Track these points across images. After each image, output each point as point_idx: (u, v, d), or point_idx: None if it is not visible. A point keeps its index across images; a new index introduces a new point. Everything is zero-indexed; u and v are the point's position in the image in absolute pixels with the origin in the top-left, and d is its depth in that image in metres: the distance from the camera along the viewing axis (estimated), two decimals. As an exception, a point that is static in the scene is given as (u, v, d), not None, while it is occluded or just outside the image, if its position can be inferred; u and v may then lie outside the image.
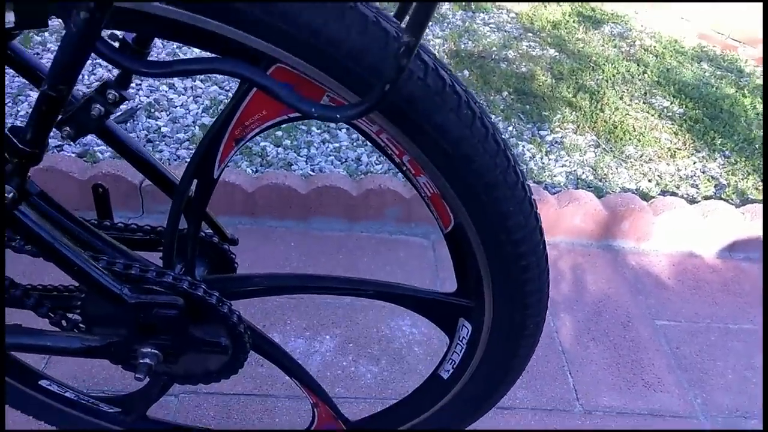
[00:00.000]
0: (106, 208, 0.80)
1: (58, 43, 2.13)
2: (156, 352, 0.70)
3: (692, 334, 1.46)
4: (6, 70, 1.89)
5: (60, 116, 0.55)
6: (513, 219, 0.61)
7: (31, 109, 0.53)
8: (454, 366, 0.82)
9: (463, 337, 0.78)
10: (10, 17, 0.53)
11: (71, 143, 1.69)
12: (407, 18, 0.46)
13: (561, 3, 2.96)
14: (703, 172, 1.98)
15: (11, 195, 0.52)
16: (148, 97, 1.93)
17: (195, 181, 0.64)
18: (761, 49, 2.77)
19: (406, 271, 1.54)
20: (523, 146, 1.97)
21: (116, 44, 0.61)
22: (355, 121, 0.58)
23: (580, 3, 3.00)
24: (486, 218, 0.61)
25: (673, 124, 2.19)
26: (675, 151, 2.05)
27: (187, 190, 0.64)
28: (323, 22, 0.48)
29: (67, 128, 0.60)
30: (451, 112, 0.54)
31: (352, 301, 1.42)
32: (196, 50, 2.07)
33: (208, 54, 0.53)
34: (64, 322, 0.72)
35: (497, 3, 2.89)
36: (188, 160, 1.81)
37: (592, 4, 3.02)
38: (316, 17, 0.48)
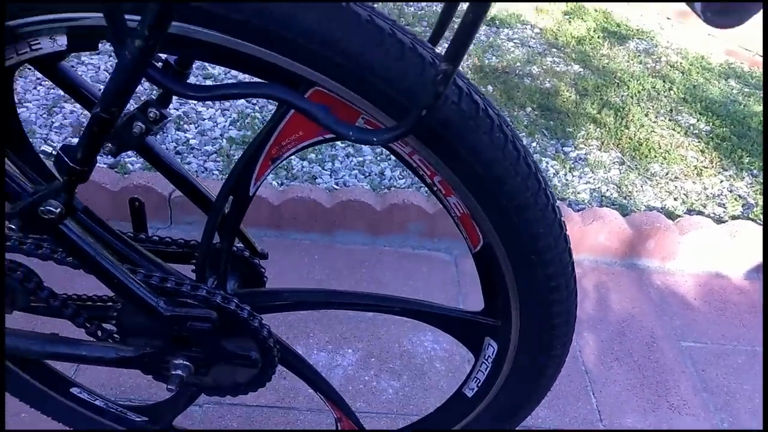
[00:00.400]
0: (142, 221, 0.82)
1: (91, 56, 2.17)
2: (188, 363, 0.71)
3: (719, 356, 1.43)
4: (45, 85, 1.95)
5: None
6: (543, 240, 0.61)
7: (63, 120, 0.55)
8: (479, 384, 0.82)
9: (489, 356, 0.78)
10: (62, 40, 0.56)
11: (111, 157, 1.74)
12: (444, 44, 0.48)
13: (570, 10, 2.96)
14: (731, 191, 1.96)
15: (59, 210, 0.55)
16: (177, 110, 1.97)
17: (230, 198, 0.66)
18: (790, 66, 2.74)
19: (428, 285, 1.54)
20: (547, 162, 1.97)
21: (159, 65, 0.63)
22: (391, 144, 0.59)
23: (598, 15, 2.99)
24: (516, 239, 0.61)
25: (699, 141, 2.17)
26: (702, 170, 2.02)
27: (223, 207, 0.66)
28: (362, 49, 0.50)
29: (109, 144, 0.63)
30: (484, 135, 0.55)
31: (375, 316, 1.42)
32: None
33: (249, 78, 0.55)
34: (99, 333, 0.74)
35: (520, 18, 2.90)
36: (215, 171, 1.84)
37: (618, 20, 3.01)
38: (355, 43, 0.50)
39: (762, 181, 2.02)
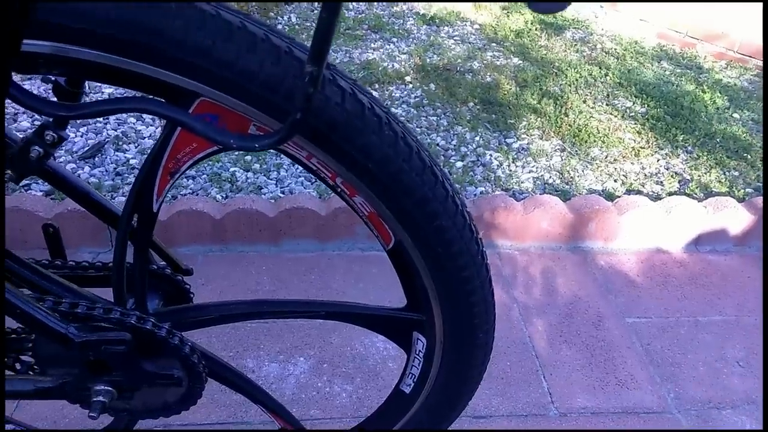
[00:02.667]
0: (59, 247, 0.80)
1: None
2: (110, 388, 0.70)
3: (662, 330, 1.48)
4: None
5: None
6: (448, 233, 0.62)
7: None
8: (414, 380, 0.82)
9: (420, 351, 0.79)
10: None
11: (38, 182, 1.69)
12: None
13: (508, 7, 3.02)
14: (667, 169, 2.02)
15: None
16: (115, 130, 1.94)
17: (135, 216, 0.65)
18: (719, 44, 2.84)
19: (379, 287, 1.54)
20: (491, 155, 2.00)
21: (50, 86, 0.62)
22: (285, 148, 0.59)
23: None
24: (421, 234, 0.62)
25: (636, 123, 2.24)
26: (639, 150, 2.08)
27: (128, 225, 0.65)
28: (236, 56, 0.50)
29: (9, 171, 0.61)
30: (372, 134, 0.55)
31: (325, 322, 1.42)
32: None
33: (132, 93, 0.54)
34: (18, 366, 0.72)
35: (460, 16, 2.94)
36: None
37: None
38: (229, 51, 0.50)
39: (762, 174, 2.09)
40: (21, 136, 0.63)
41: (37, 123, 1.77)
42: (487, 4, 3.07)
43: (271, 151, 2.07)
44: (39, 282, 0.69)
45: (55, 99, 0.58)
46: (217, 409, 1.22)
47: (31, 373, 0.73)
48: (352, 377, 1.31)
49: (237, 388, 0.86)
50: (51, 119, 0.65)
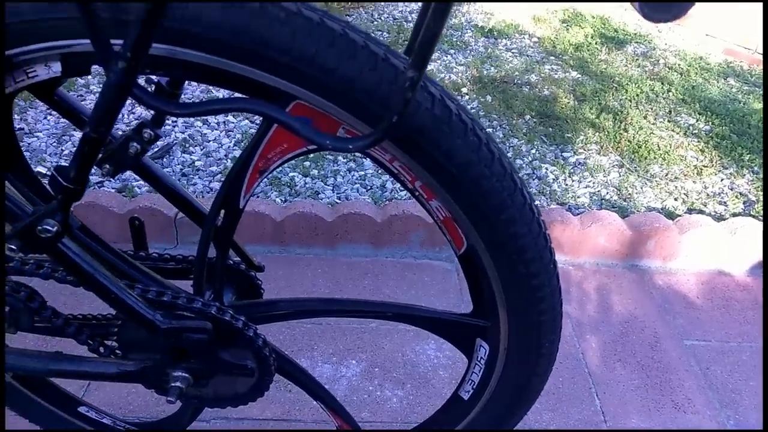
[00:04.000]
0: (142, 240, 0.85)
1: (101, 85, 2.25)
2: (187, 375, 0.74)
3: (723, 354, 1.43)
4: (55, 115, 2.01)
5: (100, 155, 0.61)
6: (522, 240, 0.63)
7: (72, 148, 0.58)
8: (474, 386, 0.83)
9: (481, 358, 0.80)
10: (57, 66, 0.59)
11: (111, 179, 1.78)
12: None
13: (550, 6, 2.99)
14: (731, 189, 1.96)
15: (55, 229, 0.58)
16: (183, 132, 2.02)
17: (222, 212, 0.68)
18: (789, 63, 2.74)
19: (430, 294, 1.55)
20: (547, 168, 1.99)
21: (152, 87, 0.66)
22: (370, 151, 0.61)
23: (596, 22, 3.02)
24: (496, 239, 0.63)
25: (699, 141, 2.18)
26: (701, 169, 2.03)
27: (215, 220, 0.69)
28: (336, 62, 0.53)
29: (107, 165, 0.66)
30: (458, 139, 0.57)
31: (377, 326, 1.44)
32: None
33: (234, 94, 0.58)
34: (101, 349, 0.76)
35: (518, 28, 2.93)
36: (219, 191, 1.88)
37: (615, 25, 3.04)
38: (330, 57, 0.53)
39: (762, 178, 2.02)
40: (120, 133, 0.68)
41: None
42: (547, 17, 3.05)
43: (329, 157, 2.11)
44: (128, 271, 0.73)
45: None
46: (272, 405, 1.25)
47: (113, 356, 0.78)
48: (402, 383, 1.32)
49: (300, 384, 0.89)
50: (150, 117, 0.69)
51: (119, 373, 0.75)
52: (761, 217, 1.82)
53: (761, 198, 1.92)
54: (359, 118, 0.57)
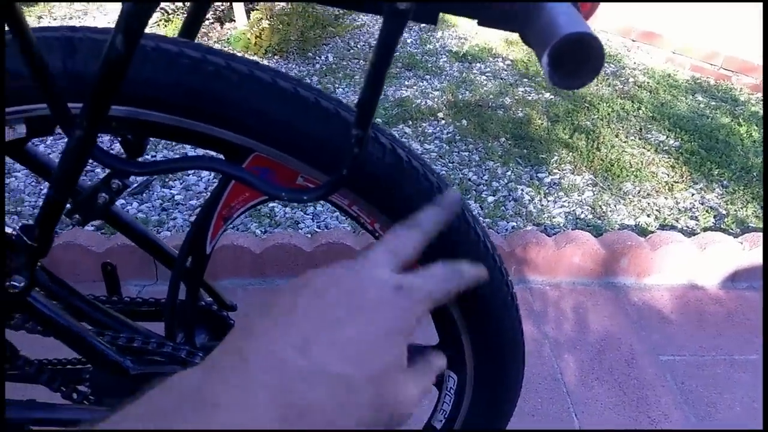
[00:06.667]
0: (115, 284, 0.86)
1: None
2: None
3: (698, 368, 1.46)
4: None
5: (69, 206, 0.63)
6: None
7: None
8: (446, 416, 0.85)
9: (451, 388, 0.82)
10: (22, 128, 0.62)
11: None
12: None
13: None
14: (702, 204, 2.01)
15: (22, 284, 0.59)
16: (161, 166, 2.04)
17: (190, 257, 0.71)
18: (756, 76, 2.82)
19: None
20: (522, 190, 2.03)
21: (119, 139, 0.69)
22: (329, 198, 0.64)
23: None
24: (453, 276, 0.66)
25: (669, 157, 2.24)
26: (672, 185, 2.08)
27: (183, 265, 0.71)
28: (290, 117, 0.56)
29: (77, 215, 0.68)
30: (410, 183, 0.60)
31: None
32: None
33: (193, 151, 0.60)
34: (74, 395, 0.77)
35: (492, 52, 3.00)
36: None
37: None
38: (284, 114, 0.56)
39: (762, 179, 2.08)
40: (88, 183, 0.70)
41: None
42: (520, 40, 3.13)
43: (308, 186, 2.10)
44: (98, 317, 0.75)
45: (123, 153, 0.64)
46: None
47: (86, 402, 0.79)
48: (385, 410, 1.34)
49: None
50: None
51: (93, 419, 0.76)
52: (731, 231, 1.86)
53: (731, 212, 1.97)
54: (315, 168, 0.59)
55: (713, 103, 2.67)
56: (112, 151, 0.57)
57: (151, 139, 0.68)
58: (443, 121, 2.40)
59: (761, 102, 2.72)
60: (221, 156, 0.61)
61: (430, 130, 2.33)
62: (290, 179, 0.63)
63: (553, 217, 1.91)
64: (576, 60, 0.39)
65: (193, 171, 2.03)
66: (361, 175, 0.59)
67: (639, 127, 2.43)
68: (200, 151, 2.24)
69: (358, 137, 0.50)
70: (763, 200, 1.71)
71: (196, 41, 0.64)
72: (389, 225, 0.65)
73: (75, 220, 0.68)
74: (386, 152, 0.60)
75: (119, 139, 0.69)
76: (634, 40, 3.20)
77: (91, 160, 0.54)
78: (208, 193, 1.94)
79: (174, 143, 2.12)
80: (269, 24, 2.76)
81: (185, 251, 0.70)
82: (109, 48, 0.44)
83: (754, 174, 2.16)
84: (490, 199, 1.97)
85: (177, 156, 2.02)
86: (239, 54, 0.56)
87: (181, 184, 1.97)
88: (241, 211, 0.67)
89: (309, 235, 1.71)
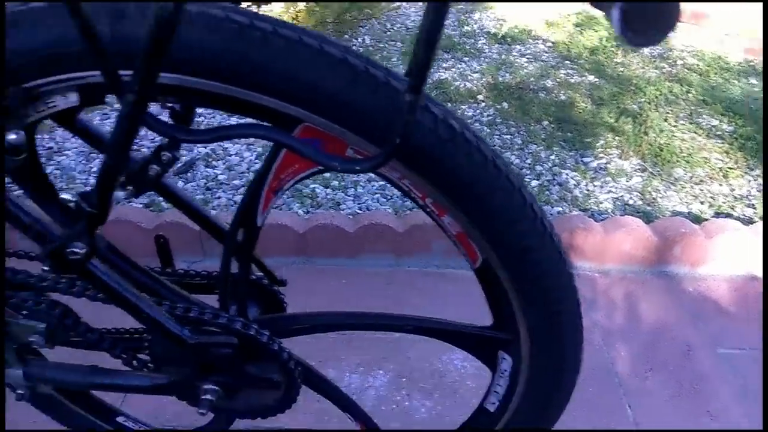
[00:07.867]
0: (168, 256, 0.87)
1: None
2: (216, 388, 0.75)
3: (758, 362, 1.39)
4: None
5: (122, 178, 0.63)
6: (535, 253, 0.64)
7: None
8: (499, 398, 0.83)
9: (505, 370, 0.80)
10: (74, 97, 0.62)
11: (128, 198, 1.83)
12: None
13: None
14: (759, 191, 1.92)
15: (83, 251, 0.60)
16: (205, 147, 2.06)
17: (241, 230, 0.70)
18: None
19: (454, 304, 1.55)
20: (567, 174, 1.98)
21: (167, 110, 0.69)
22: (380, 170, 0.63)
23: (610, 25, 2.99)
24: (509, 253, 0.64)
25: (723, 143, 2.14)
26: (727, 171, 1.99)
27: (234, 238, 0.70)
28: (338, 87, 0.54)
29: (130, 187, 0.68)
30: (463, 157, 0.58)
31: (402, 336, 1.45)
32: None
33: (243, 120, 0.60)
34: (134, 362, 0.79)
35: (531, 34, 2.92)
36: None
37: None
38: (333, 83, 0.54)
39: (762, 179, 1.98)
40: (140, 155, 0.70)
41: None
42: (560, 21, 3.04)
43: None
44: (155, 288, 0.76)
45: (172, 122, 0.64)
46: (302, 415, 1.26)
47: (146, 370, 0.80)
48: (430, 393, 1.33)
49: (326, 395, 0.90)
50: (167, 142, 0.72)
51: (152, 386, 0.77)
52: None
53: (791, 198, 1.87)
54: (365, 139, 0.58)
55: (770, 86, 2.54)
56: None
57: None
58: (483, 104, 2.35)
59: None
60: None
61: (470, 113, 2.29)
62: (340, 151, 0.61)
63: (601, 203, 1.86)
64: (647, 18, 0.37)
65: (235, 152, 2.05)
66: (413, 146, 0.58)
67: (689, 111, 2.33)
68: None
69: (411, 103, 0.48)
70: (763, 200, 1.62)
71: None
72: (440, 201, 0.63)
73: (128, 192, 0.69)
74: (438, 123, 0.58)
75: (167, 110, 0.69)
76: (682, 21, 3.07)
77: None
78: (251, 174, 1.96)
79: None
80: (306, 6, 2.75)
81: (237, 224, 0.69)
82: (157, 10, 0.43)
83: (816, 160, 2.05)
84: (534, 183, 1.93)
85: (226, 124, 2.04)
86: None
87: (224, 164, 1.99)
88: (291, 182, 0.66)
89: (351, 216, 1.71)
